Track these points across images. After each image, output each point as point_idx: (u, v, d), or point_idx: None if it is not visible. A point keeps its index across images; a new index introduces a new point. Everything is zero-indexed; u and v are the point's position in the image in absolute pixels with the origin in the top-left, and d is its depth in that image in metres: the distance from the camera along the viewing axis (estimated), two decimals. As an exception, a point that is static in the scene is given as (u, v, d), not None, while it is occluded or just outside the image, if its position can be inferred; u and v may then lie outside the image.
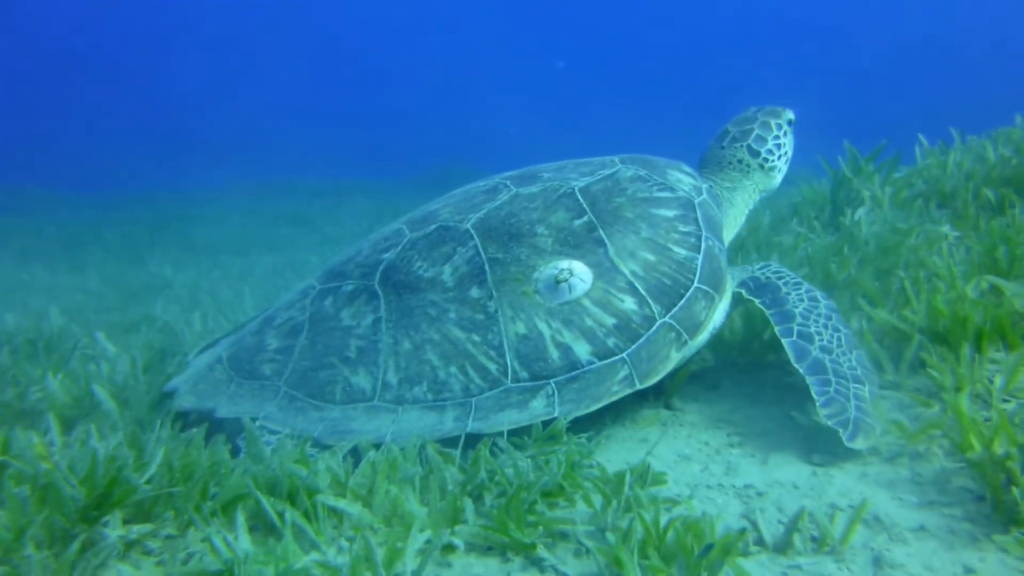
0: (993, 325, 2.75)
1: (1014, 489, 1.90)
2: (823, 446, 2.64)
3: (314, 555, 1.89)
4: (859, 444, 2.47)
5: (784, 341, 2.87)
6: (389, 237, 3.15)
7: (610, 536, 1.99)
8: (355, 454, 2.49)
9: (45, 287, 8.49)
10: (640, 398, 3.28)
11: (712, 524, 1.98)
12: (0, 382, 3.18)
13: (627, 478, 2.22)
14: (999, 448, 2.08)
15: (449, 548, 2.01)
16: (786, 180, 3.64)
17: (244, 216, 14.50)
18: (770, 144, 3.49)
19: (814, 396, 2.67)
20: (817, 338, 2.87)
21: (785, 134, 3.54)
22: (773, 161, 3.49)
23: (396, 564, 1.82)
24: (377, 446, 2.55)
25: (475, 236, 2.98)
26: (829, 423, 2.56)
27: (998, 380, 2.61)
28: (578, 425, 2.99)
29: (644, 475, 2.33)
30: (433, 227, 3.07)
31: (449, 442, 2.62)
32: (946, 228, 3.61)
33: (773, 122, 3.53)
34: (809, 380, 2.71)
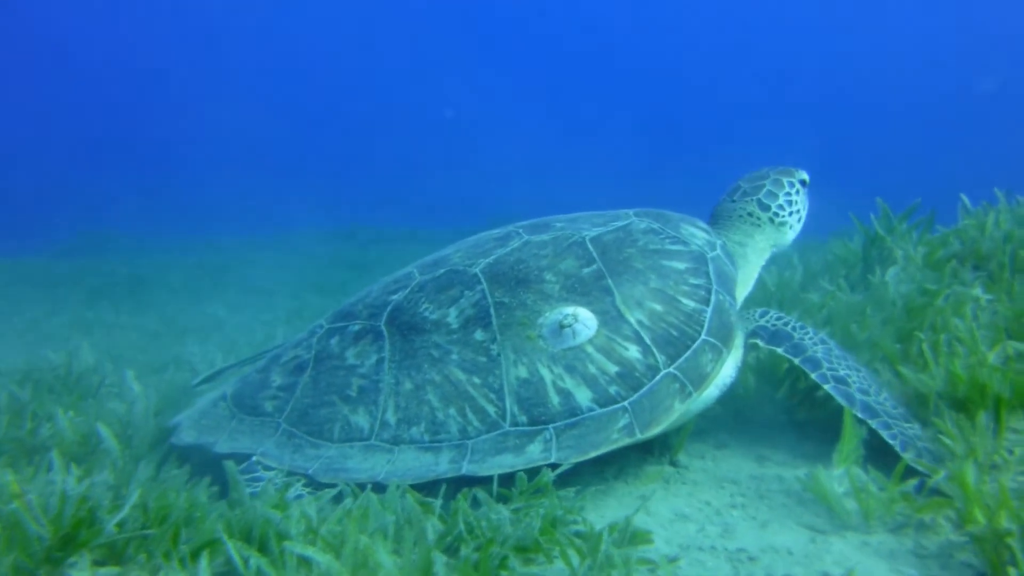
0: (1014, 393, 2.61)
1: (1011, 570, 1.79)
2: (827, 511, 2.53)
3: None
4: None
5: (827, 387, 2.83)
6: (399, 279, 3.19)
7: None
8: (377, 489, 2.47)
9: (106, 325, 8.81)
10: (645, 453, 3.21)
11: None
12: (18, 418, 3.26)
13: (604, 536, 2.15)
14: (1003, 523, 1.96)
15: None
16: (823, 238, 3.62)
17: (303, 260, 14.82)
18: (781, 200, 3.48)
19: (887, 440, 2.63)
20: (850, 380, 2.85)
21: (797, 192, 3.54)
22: (784, 216, 3.47)
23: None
24: (371, 487, 2.53)
25: (483, 280, 2.99)
26: (918, 467, 2.51)
27: (1018, 451, 2.48)
28: (579, 478, 2.94)
29: (625, 534, 2.26)
30: (442, 271, 3.10)
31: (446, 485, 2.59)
32: (977, 291, 3.48)
33: (785, 180, 3.53)
34: (873, 424, 2.67)
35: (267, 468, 2.74)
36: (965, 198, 4.85)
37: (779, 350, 3.00)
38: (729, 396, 3.51)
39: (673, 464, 3.14)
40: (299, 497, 2.62)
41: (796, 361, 2.93)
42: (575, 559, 2.14)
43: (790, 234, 3.52)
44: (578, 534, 2.41)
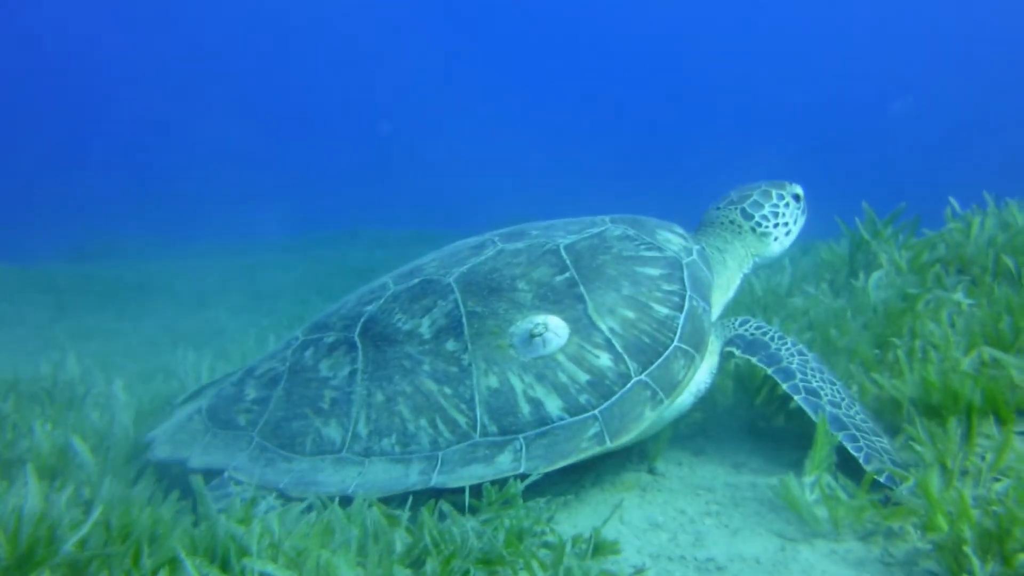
0: (985, 399, 2.59)
1: (964, 576, 1.77)
2: (798, 519, 2.51)
3: None
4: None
5: (797, 399, 2.81)
6: (374, 290, 3.18)
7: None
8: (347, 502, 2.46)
9: (108, 332, 8.84)
10: (623, 460, 3.19)
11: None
12: (0, 431, 3.26)
13: (567, 549, 2.14)
14: (964, 531, 1.94)
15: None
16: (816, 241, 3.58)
17: (309, 264, 14.83)
18: (766, 210, 3.46)
19: (852, 453, 2.60)
20: (822, 392, 2.83)
21: (787, 205, 3.50)
22: (767, 227, 3.45)
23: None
24: (340, 500, 2.53)
25: (456, 290, 2.98)
26: (880, 479, 2.49)
27: (988, 457, 2.45)
28: (555, 486, 2.93)
29: (592, 544, 2.25)
30: (416, 280, 3.10)
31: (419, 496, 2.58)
32: (959, 296, 3.45)
33: (775, 191, 3.51)
34: (840, 437, 2.64)
35: (239, 483, 2.73)
36: (954, 201, 4.82)
37: (754, 359, 2.98)
38: (708, 403, 3.50)
39: (651, 471, 3.12)
40: (270, 510, 2.61)
41: (769, 371, 2.92)
42: (539, 572, 2.13)
43: (775, 246, 3.48)
44: (546, 544, 2.40)
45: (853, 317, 3.54)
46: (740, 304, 4.60)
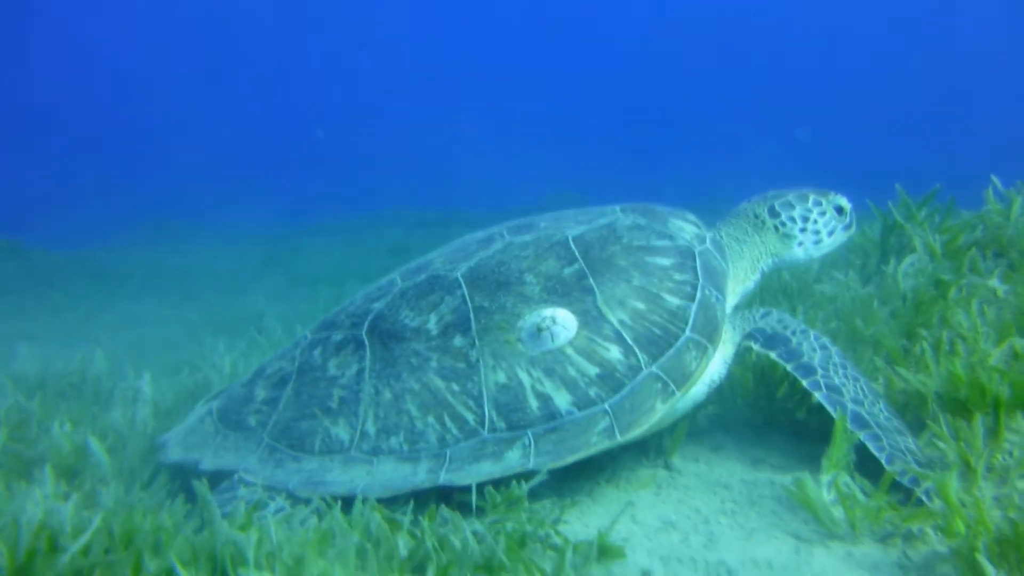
0: (1014, 393, 2.45)
1: (977, 586, 1.67)
2: (814, 519, 2.41)
3: None
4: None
5: (817, 396, 2.72)
6: (382, 287, 3.15)
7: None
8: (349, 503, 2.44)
9: (150, 319, 8.99)
10: (639, 455, 3.12)
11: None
12: (21, 429, 3.29)
13: (568, 556, 2.09)
14: (979, 538, 1.84)
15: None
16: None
17: (347, 247, 14.83)
18: (796, 213, 3.29)
19: (874, 453, 2.50)
20: (844, 390, 2.72)
21: (823, 214, 3.30)
22: (792, 229, 3.28)
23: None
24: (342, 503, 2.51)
25: (463, 285, 2.94)
26: (903, 481, 2.38)
27: (1016, 454, 2.33)
28: (570, 483, 2.88)
29: (594, 549, 2.19)
30: (423, 276, 3.05)
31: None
32: (994, 282, 3.28)
33: (813, 197, 3.32)
34: (861, 436, 2.54)
35: (249, 484, 2.73)
36: (996, 180, 4.60)
37: (772, 354, 2.87)
38: (728, 396, 3.41)
39: (667, 467, 3.05)
40: (279, 511, 2.61)
41: (788, 367, 2.81)
42: (542, 577, 2.08)
43: (797, 251, 3.31)
44: (552, 547, 2.35)
45: (881, 306, 3.39)
46: (767, 290, 4.46)
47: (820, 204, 3.31)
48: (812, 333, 2.93)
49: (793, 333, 2.93)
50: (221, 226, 19.31)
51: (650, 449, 3.13)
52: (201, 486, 2.30)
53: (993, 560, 1.81)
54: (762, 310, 3.08)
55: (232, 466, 2.80)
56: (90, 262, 13.57)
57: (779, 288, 4.43)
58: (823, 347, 2.87)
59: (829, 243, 3.34)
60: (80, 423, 3.33)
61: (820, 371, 2.77)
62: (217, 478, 2.78)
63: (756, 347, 2.94)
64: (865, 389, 2.74)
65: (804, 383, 2.75)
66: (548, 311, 2.80)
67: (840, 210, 3.33)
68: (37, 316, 9.35)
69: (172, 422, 3.48)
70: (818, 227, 3.30)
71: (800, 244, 3.30)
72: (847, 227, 3.36)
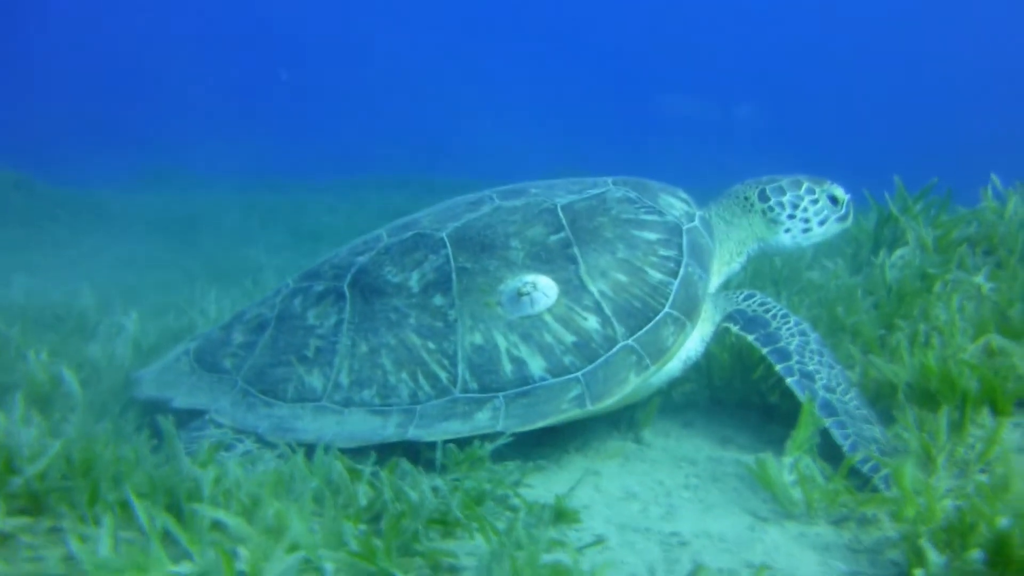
0: (983, 388, 2.46)
1: (915, 572, 1.69)
2: (773, 499, 2.44)
3: (185, 565, 1.84)
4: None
5: (788, 381, 2.72)
6: (368, 241, 3.16)
7: (492, 574, 1.88)
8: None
9: (150, 263, 8.99)
10: (611, 427, 3.15)
11: (580, 575, 1.84)
12: (2, 355, 3.32)
13: (521, 515, 2.11)
14: (923, 524, 1.86)
15: (319, 572, 1.95)
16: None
17: (354, 207, 14.77)
18: (786, 198, 3.24)
19: (837, 441, 2.51)
20: (817, 376, 2.72)
21: (815, 202, 3.24)
22: (779, 215, 3.24)
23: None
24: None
25: (448, 245, 2.94)
26: (863, 469, 2.40)
27: (978, 447, 2.34)
28: (539, 449, 2.90)
29: (550, 512, 2.22)
30: (410, 234, 3.06)
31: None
32: (980, 278, 3.27)
33: (807, 184, 3.27)
34: (827, 423, 2.55)
35: (219, 425, 2.77)
36: (995, 178, 4.57)
37: (750, 338, 2.87)
38: (704, 375, 3.42)
39: (637, 440, 3.07)
40: (247, 454, 2.65)
41: (764, 351, 2.81)
42: (491, 536, 2.11)
43: (784, 237, 3.26)
44: (511, 508, 2.38)
45: (866, 295, 3.39)
46: (758, 273, 4.46)
47: (813, 192, 3.26)
48: (793, 318, 2.92)
49: (773, 317, 2.93)
50: (229, 176, 19.26)
51: (622, 422, 3.15)
52: (166, 421, 2.32)
53: (939, 546, 1.83)
54: (745, 292, 3.08)
55: (204, 406, 2.83)
56: (97, 202, 13.54)
57: (769, 272, 4.43)
58: (802, 333, 2.86)
59: (820, 232, 3.28)
60: (59, 354, 3.36)
61: (796, 357, 2.77)
62: (189, 418, 2.82)
63: (735, 329, 2.94)
64: (839, 377, 2.75)
65: (777, 367, 2.76)
66: (530, 277, 2.81)
67: (835, 200, 3.28)
68: (39, 250, 9.39)
69: (151, 361, 3.50)
70: (808, 215, 3.26)
71: (787, 231, 3.26)
72: (842, 218, 3.30)
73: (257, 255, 9.78)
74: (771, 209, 3.25)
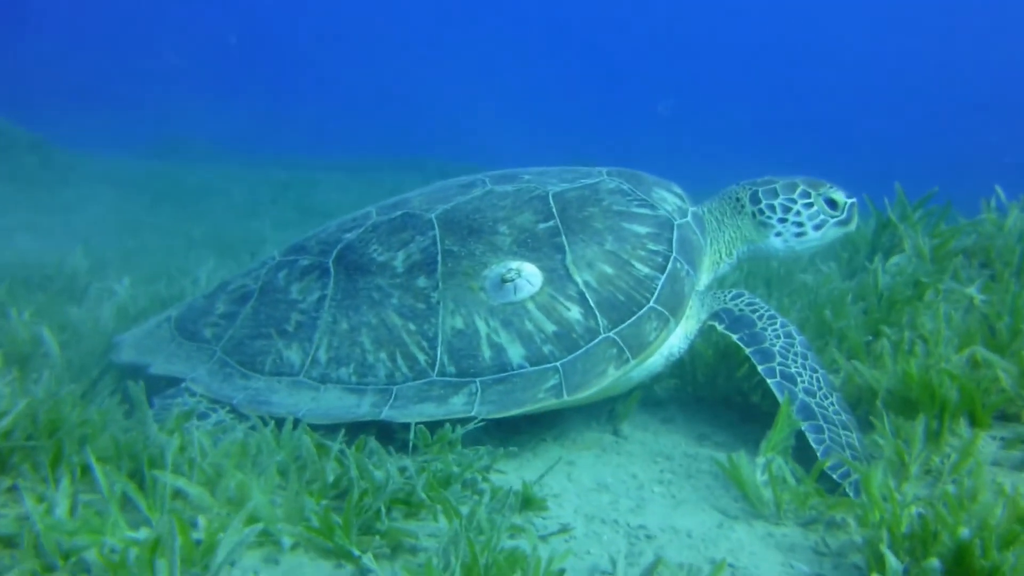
0: (962, 398, 2.43)
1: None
2: (744, 498, 2.42)
3: (142, 531, 1.83)
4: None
5: (770, 382, 2.69)
6: (357, 218, 3.14)
7: (450, 557, 1.87)
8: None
9: (155, 229, 8.98)
10: (590, 419, 3.13)
11: (538, 561, 1.83)
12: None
13: (485, 499, 2.10)
14: (884, 530, 1.84)
15: (278, 545, 1.94)
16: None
17: (365, 186, 14.69)
18: (778, 202, 3.16)
19: (812, 444, 2.49)
20: (799, 379, 2.69)
21: (809, 206, 3.13)
22: (769, 218, 3.16)
23: (209, 552, 1.76)
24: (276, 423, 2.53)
25: (436, 226, 2.92)
26: (833, 475, 2.38)
27: (953, 457, 2.32)
28: (517, 436, 2.89)
29: (516, 498, 2.21)
30: (399, 213, 3.04)
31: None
32: (972, 290, 3.24)
33: (803, 188, 3.16)
34: (803, 427, 2.52)
35: (193, 394, 2.76)
36: (999, 190, 4.52)
37: (734, 337, 2.84)
38: (687, 371, 3.40)
39: (615, 433, 3.06)
40: (220, 424, 2.64)
41: (748, 351, 2.78)
42: (453, 518, 2.10)
43: (774, 240, 3.19)
44: (478, 492, 2.37)
45: (856, 301, 3.36)
46: (752, 274, 4.43)
47: (808, 196, 3.15)
48: (779, 320, 2.88)
49: (760, 318, 2.89)
50: (243, 153, 19.26)
51: (602, 414, 3.14)
52: (135, 387, 2.32)
53: (901, 553, 1.81)
54: (734, 291, 3.05)
55: (181, 374, 2.82)
56: (109, 168, 13.56)
57: (763, 273, 4.40)
58: (787, 335, 2.83)
59: (816, 237, 3.17)
60: (44, 315, 3.36)
61: (779, 358, 2.74)
62: (167, 385, 2.82)
63: (720, 327, 2.91)
64: (821, 381, 2.71)
65: (759, 368, 2.73)
66: (515, 263, 2.79)
67: (832, 204, 3.16)
68: (48, 211, 9.40)
69: (135, 326, 3.50)
70: (801, 219, 3.15)
71: (778, 235, 3.18)
72: (842, 222, 3.17)
73: (262, 228, 9.79)
74: (761, 212, 3.18)
